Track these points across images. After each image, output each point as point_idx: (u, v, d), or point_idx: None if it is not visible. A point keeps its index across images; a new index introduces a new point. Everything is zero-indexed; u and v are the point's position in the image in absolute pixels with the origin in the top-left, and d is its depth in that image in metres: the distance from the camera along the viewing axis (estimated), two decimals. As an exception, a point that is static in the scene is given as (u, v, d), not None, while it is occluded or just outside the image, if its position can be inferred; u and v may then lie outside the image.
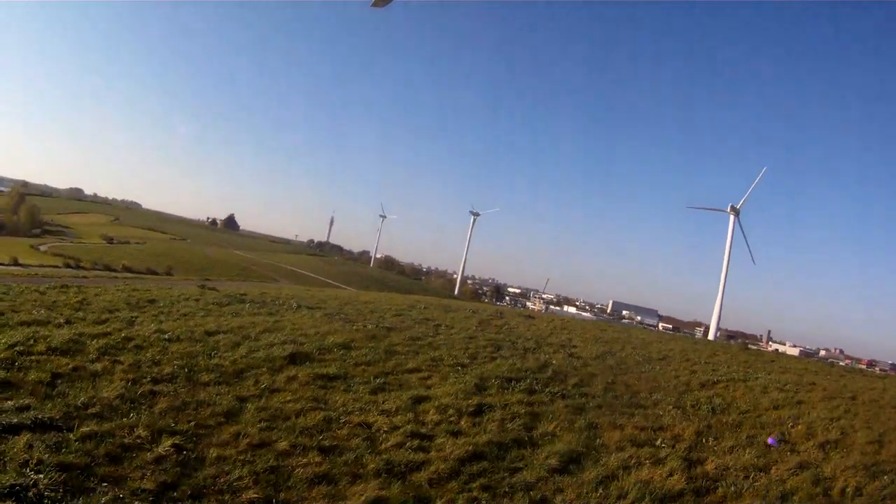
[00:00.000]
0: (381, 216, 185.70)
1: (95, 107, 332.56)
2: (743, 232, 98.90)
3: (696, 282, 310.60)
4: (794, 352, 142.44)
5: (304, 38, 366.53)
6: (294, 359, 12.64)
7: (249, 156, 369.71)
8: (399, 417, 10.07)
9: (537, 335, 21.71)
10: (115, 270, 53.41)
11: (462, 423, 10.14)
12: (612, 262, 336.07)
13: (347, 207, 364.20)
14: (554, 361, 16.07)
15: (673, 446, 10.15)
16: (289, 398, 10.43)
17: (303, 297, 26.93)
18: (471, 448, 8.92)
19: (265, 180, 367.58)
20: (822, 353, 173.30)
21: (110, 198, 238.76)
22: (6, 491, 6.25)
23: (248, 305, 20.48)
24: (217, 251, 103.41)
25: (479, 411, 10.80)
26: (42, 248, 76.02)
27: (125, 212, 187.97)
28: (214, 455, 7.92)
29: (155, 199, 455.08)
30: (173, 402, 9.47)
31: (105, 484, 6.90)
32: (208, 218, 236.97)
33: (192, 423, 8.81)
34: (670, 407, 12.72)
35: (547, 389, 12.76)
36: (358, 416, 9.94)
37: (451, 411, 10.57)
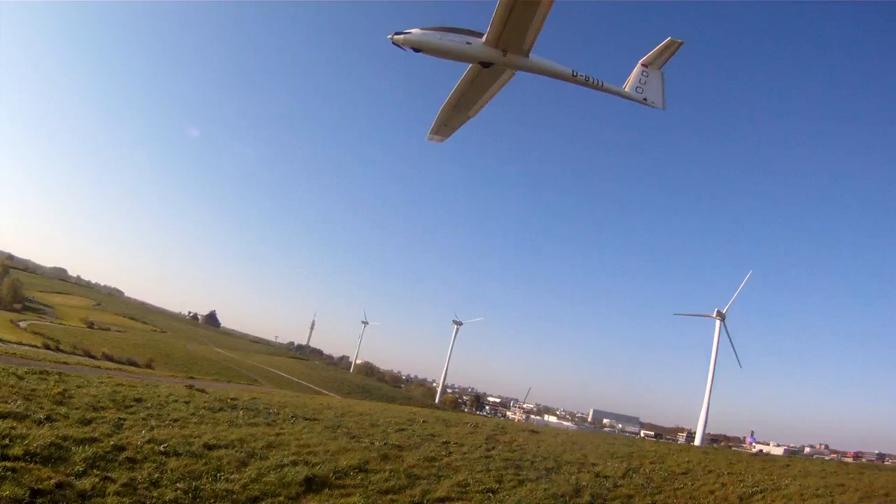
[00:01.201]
0: (362, 322, 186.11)
1: (85, 189, 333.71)
2: (729, 336, 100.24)
3: (676, 387, 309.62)
4: (779, 451, 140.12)
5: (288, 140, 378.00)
6: (311, 484, 11.21)
7: (233, 254, 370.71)
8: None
9: (552, 453, 20.49)
10: (94, 357, 52.29)
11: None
12: (591, 369, 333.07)
13: (328, 311, 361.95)
14: (584, 483, 15.30)
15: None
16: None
17: (296, 404, 25.23)
18: None
19: (248, 279, 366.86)
20: (808, 449, 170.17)
21: (93, 282, 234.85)
22: None
23: (242, 413, 18.87)
24: (198, 347, 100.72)
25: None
26: (22, 324, 75.07)
27: (107, 298, 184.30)
28: None
29: (137, 288, 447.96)
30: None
31: None
32: (189, 312, 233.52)
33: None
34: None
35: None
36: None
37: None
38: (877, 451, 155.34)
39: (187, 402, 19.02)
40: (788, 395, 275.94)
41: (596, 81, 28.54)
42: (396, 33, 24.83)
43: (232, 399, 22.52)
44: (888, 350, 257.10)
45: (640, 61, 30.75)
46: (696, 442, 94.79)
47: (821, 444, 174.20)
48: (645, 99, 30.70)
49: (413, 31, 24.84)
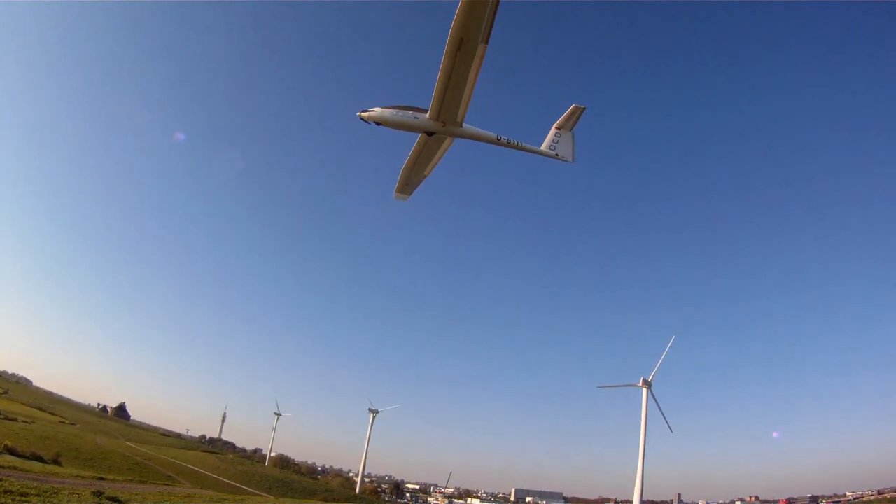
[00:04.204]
0: (275, 413, 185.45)
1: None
2: (657, 402, 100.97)
3: (601, 457, 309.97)
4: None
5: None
6: None
7: (143, 345, 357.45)
8: None
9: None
10: (-5, 449, 48.23)
11: None
12: (513, 447, 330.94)
13: (240, 403, 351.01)
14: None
15: None
16: None
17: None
18: None
19: (157, 371, 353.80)
20: (738, 503, 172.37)
21: (0, 370, 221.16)
22: None
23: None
24: (108, 441, 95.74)
25: None
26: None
27: (15, 386, 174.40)
28: None
29: (46, 377, 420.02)
30: None
31: None
32: (99, 404, 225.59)
33: None
34: None
35: None
36: None
37: None
38: (809, 495, 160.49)
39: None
40: (714, 451, 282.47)
41: (516, 143, 36.08)
42: (363, 110, 31.95)
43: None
44: (811, 394, 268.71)
45: (554, 125, 38.38)
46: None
47: (751, 497, 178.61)
48: (557, 154, 37.97)
49: (375, 109, 31.89)
